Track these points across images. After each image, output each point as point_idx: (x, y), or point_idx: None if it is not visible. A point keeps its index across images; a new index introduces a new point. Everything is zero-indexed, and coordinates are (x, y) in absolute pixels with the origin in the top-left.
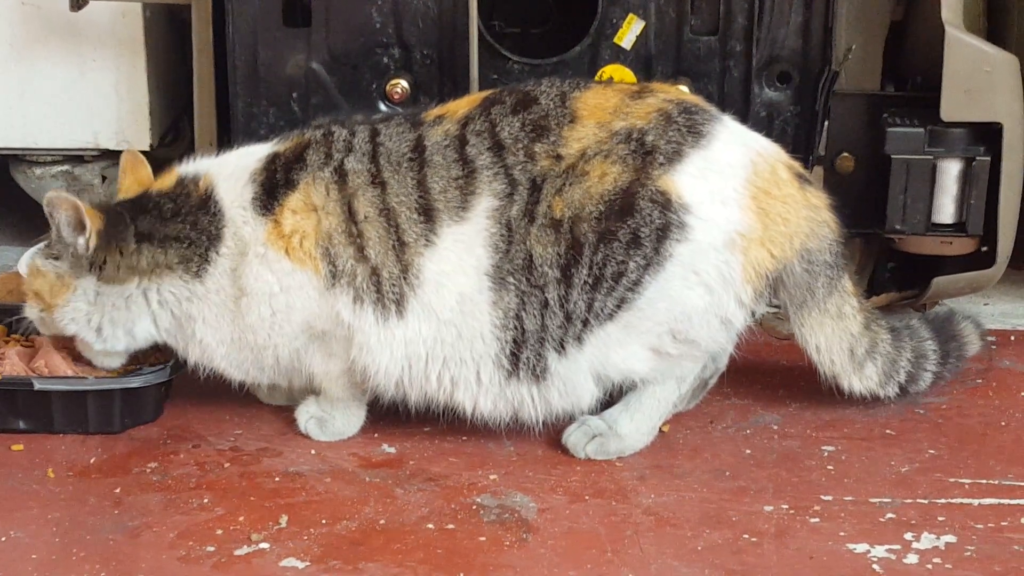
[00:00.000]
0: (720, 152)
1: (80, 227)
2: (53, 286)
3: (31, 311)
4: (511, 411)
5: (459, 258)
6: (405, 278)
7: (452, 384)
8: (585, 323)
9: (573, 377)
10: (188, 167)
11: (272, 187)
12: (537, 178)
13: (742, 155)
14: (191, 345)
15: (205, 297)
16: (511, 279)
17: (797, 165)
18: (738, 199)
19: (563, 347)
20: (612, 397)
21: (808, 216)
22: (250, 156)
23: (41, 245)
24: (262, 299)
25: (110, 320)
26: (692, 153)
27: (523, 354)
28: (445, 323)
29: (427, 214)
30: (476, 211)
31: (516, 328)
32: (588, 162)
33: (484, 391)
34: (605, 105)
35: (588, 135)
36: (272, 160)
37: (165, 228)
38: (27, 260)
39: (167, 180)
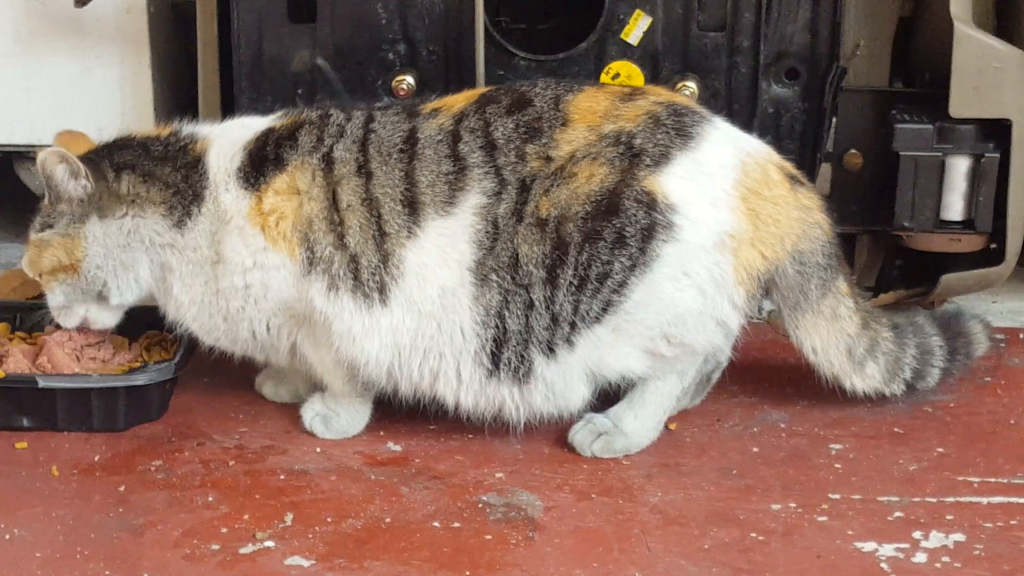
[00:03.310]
0: (709, 153)
1: (75, 172)
2: (67, 246)
3: (55, 295)
4: (492, 410)
5: (442, 251)
6: (385, 268)
7: (433, 377)
8: (572, 326)
9: (560, 381)
10: (188, 126)
11: (260, 161)
12: (527, 178)
13: (732, 156)
14: (168, 300)
15: (183, 251)
16: (494, 276)
17: (789, 166)
18: (728, 200)
19: (551, 350)
20: (618, 394)
21: (800, 217)
22: (248, 128)
23: None
24: (235, 270)
25: (121, 264)
26: (680, 155)
27: (504, 354)
28: (426, 315)
29: (412, 206)
30: (463, 207)
31: (497, 327)
32: (576, 164)
33: (464, 387)
34: (596, 108)
35: (578, 138)
36: (266, 134)
37: (151, 165)
38: None
39: (160, 130)
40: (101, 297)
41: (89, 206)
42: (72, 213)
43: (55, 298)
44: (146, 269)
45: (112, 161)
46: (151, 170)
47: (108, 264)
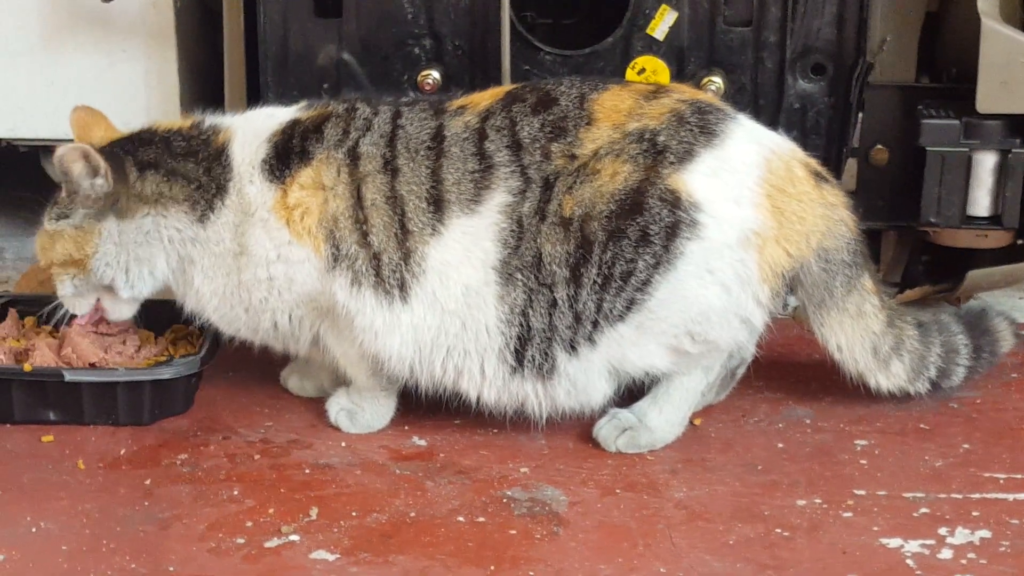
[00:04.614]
0: (733, 151)
1: (95, 170)
2: (78, 240)
3: (65, 286)
4: (515, 405)
5: (466, 250)
6: (407, 265)
7: (456, 373)
8: (595, 324)
9: (583, 377)
10: (209, 117)
11: (286, 154)
12: (550, 177)
13: (756, 154)
14: (188, 292)
15: (205, 244)
16: (519, 275)
17: (814, 163)
18: (752, 197)
19: (574, 347)
20: (642, 389)
21: (824, 214)
22: (272, 118)
23: None
24: (259, 262)
25: (135, 258)
26: (704, 152)
27: (528, 351)
28: (450, 313)
29: (436, 204)
30: (488, 205)
31: (522, 325)
32: (600, 161)
33: (488, 384)
34: (620, 107)
35: (602, 136)
36: (292, 126)
37: (174, 162)
38: None
39: (181, 122)
40: (110, 289)
41: (106, 204)
42: (88, 208)
43: (64, 288)
44: (163, 263)
45: (136, 159)
46: (174, 167)
47: (120, 260)
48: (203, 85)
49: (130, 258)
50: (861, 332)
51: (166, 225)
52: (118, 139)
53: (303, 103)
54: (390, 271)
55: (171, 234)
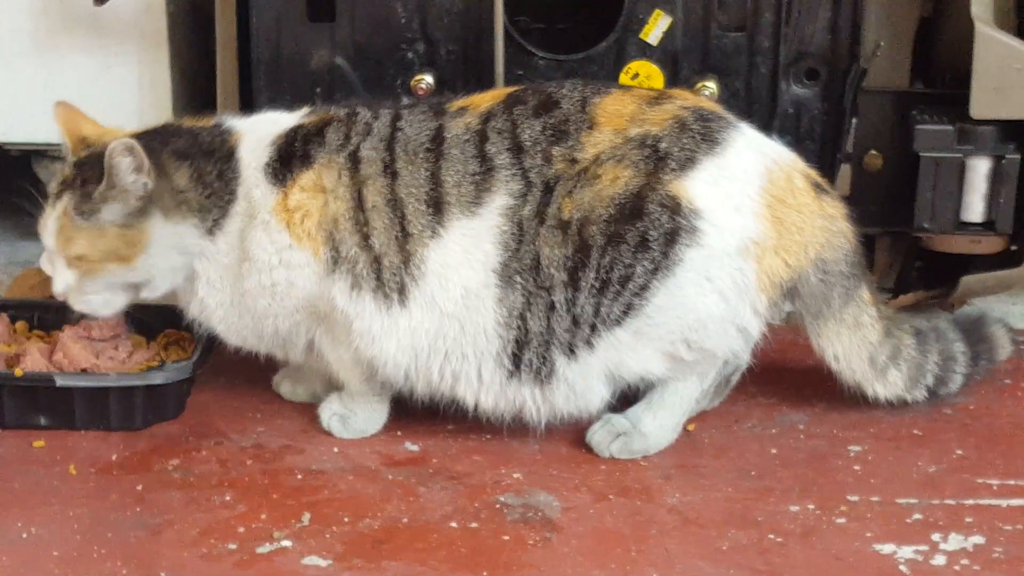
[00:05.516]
0: (735, 159)
1: (140, 167)
2: (127, 237)
3: (96, 283)
4: (513, 410)
5: (466, 252)
6: (407, 268)
7: (453, 378)
8: (593, 328)
9: (582, 382)
10: (226, 118)
11: (288, 157)
12: (551, 180)
13: (757, 163)
14: (193, 301)
15: (213, 258)
16: (518, 278)
17: (814, 174)
18: (752, 207)
19: (572, 351)
20: (636, 395)
21: (824, 226)
22: (277, 123)
23: None
24: (262, 268)
25: (171, 265)
26: (705, 160)
27: (525, 355)
28: (448, 316)
29: (436, 206)
30: (489, 207)
31: (519, 328)
32: (601, 166)
33: (485, 388)
34: (622, 112)
35: (604, 141)
36: (295, 130)
37: (199, 161)
38: None
39: (201, 120)
40: (130, 287)
41: (152, 201)
42: (127, 205)
43: (95, 285)
44: (181, 271)
45: (172, 147)
46: (198, 167)
47: (164, 263)
48: (196, 89)
49: (171, 262)
50: (858, 342)
51: (185, 233)
52: (145, 132)
53: (307, 109)
54: (391, 274)
55: (188, 245)
